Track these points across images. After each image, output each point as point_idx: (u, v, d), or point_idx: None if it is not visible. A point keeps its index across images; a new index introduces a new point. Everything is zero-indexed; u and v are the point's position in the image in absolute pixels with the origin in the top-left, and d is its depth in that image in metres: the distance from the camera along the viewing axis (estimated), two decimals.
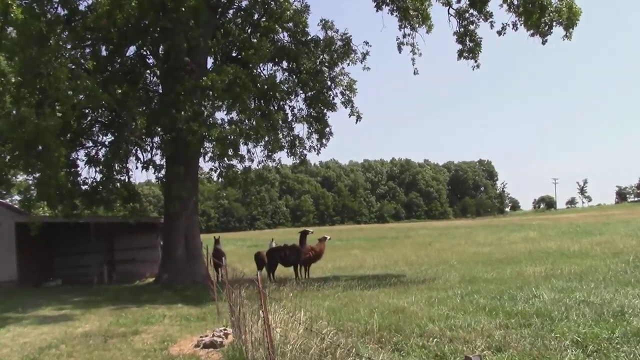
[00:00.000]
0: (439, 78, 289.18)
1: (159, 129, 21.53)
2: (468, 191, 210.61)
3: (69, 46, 18.08)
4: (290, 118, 25.45)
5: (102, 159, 22.19)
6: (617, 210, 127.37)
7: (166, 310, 16.14)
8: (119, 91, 18.38)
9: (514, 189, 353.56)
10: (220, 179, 23.38)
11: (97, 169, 22.45)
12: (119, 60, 22.88)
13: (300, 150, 25.62)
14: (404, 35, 25.89)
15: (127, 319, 14.57)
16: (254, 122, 20.04)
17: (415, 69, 26.31)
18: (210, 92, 19.98)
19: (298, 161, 25.78)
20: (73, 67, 18.30)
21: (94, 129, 24.49)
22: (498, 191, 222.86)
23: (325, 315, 12.89)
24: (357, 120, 24.86)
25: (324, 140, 25.78)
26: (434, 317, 12.14)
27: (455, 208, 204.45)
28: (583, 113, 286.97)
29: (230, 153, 20.09)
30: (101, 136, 24.43)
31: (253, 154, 24.75)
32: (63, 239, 30.76)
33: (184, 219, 22.67)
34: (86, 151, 24.01)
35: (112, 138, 23.07)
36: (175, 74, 20.73)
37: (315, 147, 25.87)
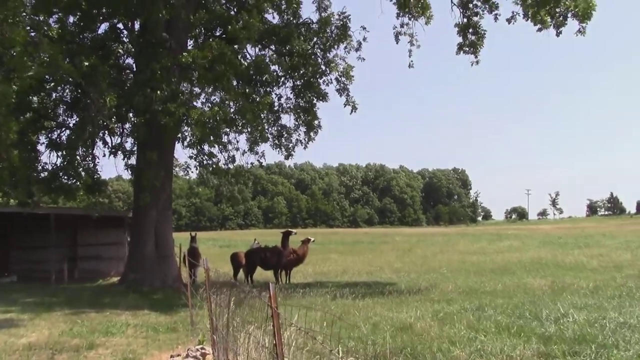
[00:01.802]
0: (415, 84, 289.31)
1: (131, 111, 19.18)
2: (441, 199, 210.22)
3: (29, 6, 15.67)
4: (276, 107, 23.20)
5: (65, 142, 19.70)
6: (588, 223, 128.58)
7: (130, 318, 13.87)
8: (86, 64, 16.03)
9: (485, 199, 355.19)
10: (198, 169, 21.10)
11: (59, 153, 19.95)
12: (89, 36, 20.52)
13: (287, 143, 23.42)
14: (402, 25, 24.01)
15: (83, 328, 12.24)
16: (239, 104, 17.75)
17: (411, 61, 24.42)
18: (191, 72, 17.69)
19: (284, 154, 23.54)
20: (33, 33, 15.90)
21: (58, 110, 21.96)
22: (471, 200, 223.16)
23: (318, 329, 10.81)
24: (352, 111, 22.67)
25: (311, 134, 23.60)
26: (453, 339, 10.19)
27: (428, 215, 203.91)
28: (557, 126, 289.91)
29: (211, 139, 17.73)
30: (65, 118, 21.90)
31: (237, 142, 22.58)
32: (20, 230, 28.25)
33: (155, 214, 20.27)
34: (48, 135, 21.49)
35: (77, 120, 20.55)
36: (152, 50, 18.42)
37: (303, 140, 23.73)
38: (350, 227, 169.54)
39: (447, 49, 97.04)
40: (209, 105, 19.52)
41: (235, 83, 19.04)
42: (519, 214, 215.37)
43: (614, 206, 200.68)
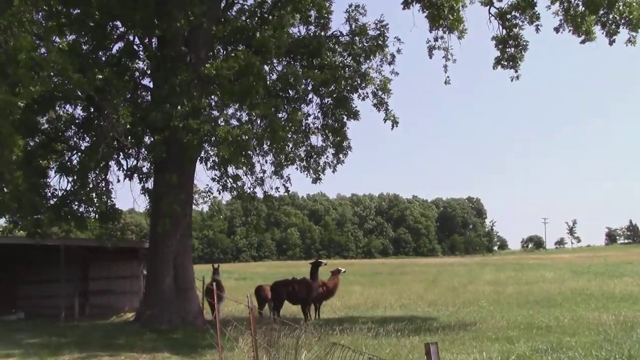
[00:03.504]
0: (426, 112, 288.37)
1: (147, 132, 17.55)
2: (456, 228, 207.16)
3: (38, 16, 14.19)
4: (302, 127, 21.42)
5: (77, 164, 18.04)
6: (609, 251, 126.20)
7: None
8: (100, 77, 14.45)
9: (501, 228, 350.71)
10: (222, 193, 19.18)
11: (70, 178, 18.26)
12: (103, 54, 19.08)
13: (315, 165, 21.59)
14: (436, 39, 22.44)
15: None
16: (269, 121, 15.95)
17: (447, 77, 22.79)
18: (215, 85, 16.04)
19: (313, 177, 21.63)
20: (41, 43, 14.33)
21: (69, 132, 20.40)
22: (487, 229, 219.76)
23: None
24: (392, 126, 20.92)
25: (341, 156, 21.84)
26: None
27: (443, 245, 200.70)
28: (573, 153, 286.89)
29: (239, 159, 15.88)
30: (77, 141, 20.26)
31: (266, 162, 20.75)
32: (28, 263, 26.59)
33: (174, 243, 18.38)
34: (57, 160, 19.87)
35: (90, 142, 18.92)
36: (171, 64, 16.86)
37: (331, 163, 21.94)
38: (364, 257, 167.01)
39: (465, 70, 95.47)
40: (235, 122, 17.85)
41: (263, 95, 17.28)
42: (536, 243, 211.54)
43: (634, 234, 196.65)
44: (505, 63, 22.63)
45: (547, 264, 67.47)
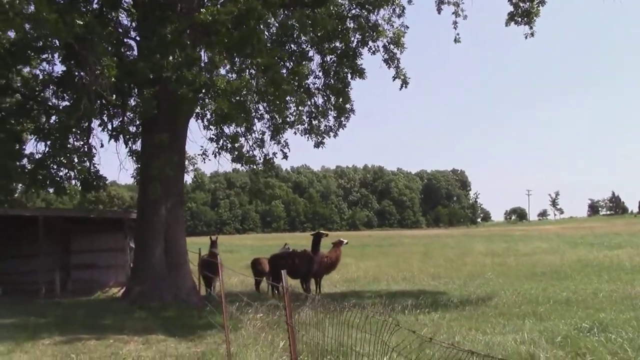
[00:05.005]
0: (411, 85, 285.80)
1: (134, 86, 15.73)
2: (441, 200, 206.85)
3: None
4: (304, 85, 19.64)
5: (55, 125, 16.16)
6: (593, 222, 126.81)
7: (142, 347, 10.47)
8: (80, 23, 12.63)
9: (484, 200, 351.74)
10: (218, 155, 17.23)
11: (49, 142, 16.39)
12: (82, 6, 17.08)
13: (316, 129, 19.90)
14: None
15: None
16: (273, 73, 14.10)
17: (457, 34, 21.26)
18: (211, 35, 14.22)
19: (315, 141, 19.94)
20: None
21: (46, 92, 18.48)
22: (471, 201, 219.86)
23: None
24: (402, 86, 19.30)
25: (342, 119, 20.22)
26: None
27: (427, 217, 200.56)
28: (556, 125, 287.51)
29: (241, 115, 14.05)
30: (55, 101, 18.33)
31: (269, 120, 18.99)
32: (6, 237, 24.81)
33: (164, 213, 16.64)
34: (35, 121, 17.96)
35: (70, 101, 16.99)
36: (159, 12, 15.05)
37: (333, 127, 20.30)
38: (349, 230, 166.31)
39: (450, 42, 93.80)
40: (233, 74, 16.01)
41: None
42: (519, 215, 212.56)
43: (616, 206, 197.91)
44: (519, 19, 21.14)
45: (534, 235, 66.87)
